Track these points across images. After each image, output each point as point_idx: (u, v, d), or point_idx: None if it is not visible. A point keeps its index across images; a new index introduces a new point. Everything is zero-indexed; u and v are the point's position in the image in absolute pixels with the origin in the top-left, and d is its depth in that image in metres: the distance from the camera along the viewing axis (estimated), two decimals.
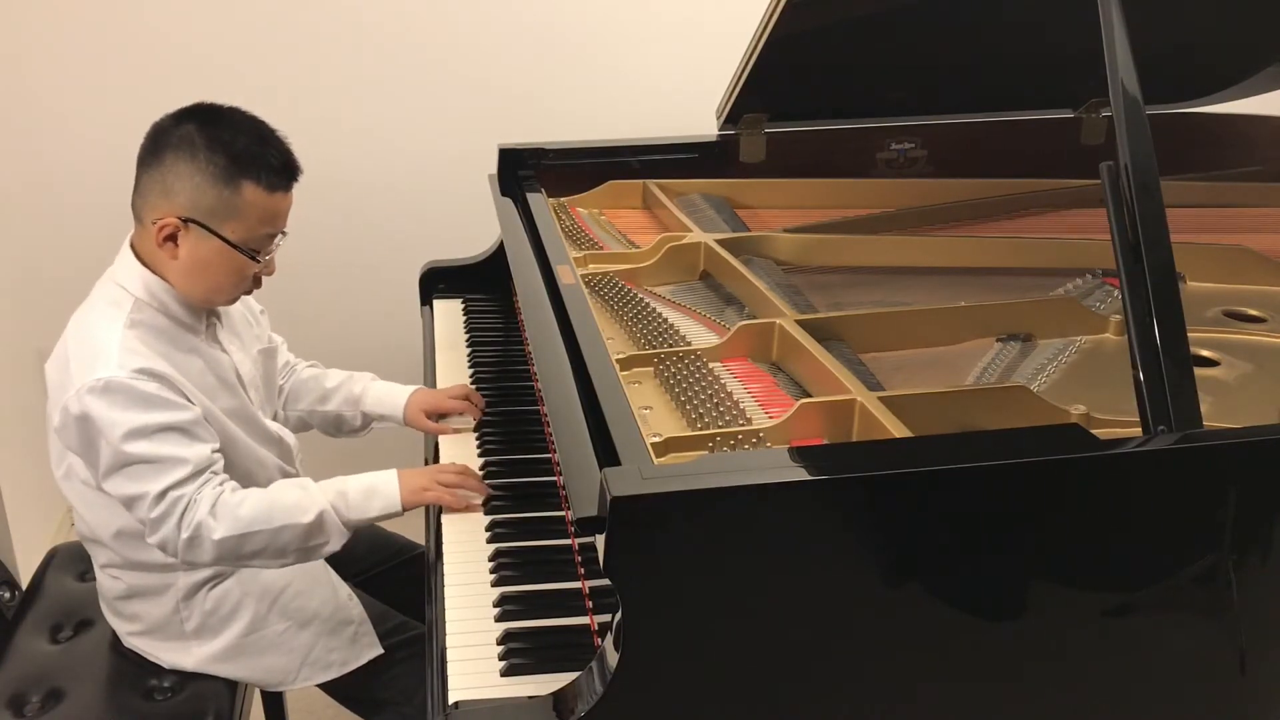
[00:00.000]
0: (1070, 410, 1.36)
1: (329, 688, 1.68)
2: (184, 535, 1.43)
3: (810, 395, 1.41)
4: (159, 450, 1.42)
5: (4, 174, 2.58)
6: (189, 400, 1.47)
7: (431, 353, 2.08)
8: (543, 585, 1.40)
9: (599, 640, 1.25)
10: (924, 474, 1.07)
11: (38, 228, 2.64)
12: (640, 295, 1.74)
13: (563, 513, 1.55)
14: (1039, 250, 1.88)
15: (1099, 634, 1.15)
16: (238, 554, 1.46)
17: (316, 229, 2.54)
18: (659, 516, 1.02)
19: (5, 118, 2.54)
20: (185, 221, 1.46)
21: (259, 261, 1.51)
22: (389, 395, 1.84)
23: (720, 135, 2.20)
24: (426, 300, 2.27)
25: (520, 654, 1.28)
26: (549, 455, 1.70)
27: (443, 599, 1.40)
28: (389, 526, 1.75)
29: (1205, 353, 1.57)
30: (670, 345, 1.56)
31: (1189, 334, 1.18)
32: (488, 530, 1.53)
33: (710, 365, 1.50)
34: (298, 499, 1.49)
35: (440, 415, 1.82)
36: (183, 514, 1.42)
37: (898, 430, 1.24)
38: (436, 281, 2.27)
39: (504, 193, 2.08)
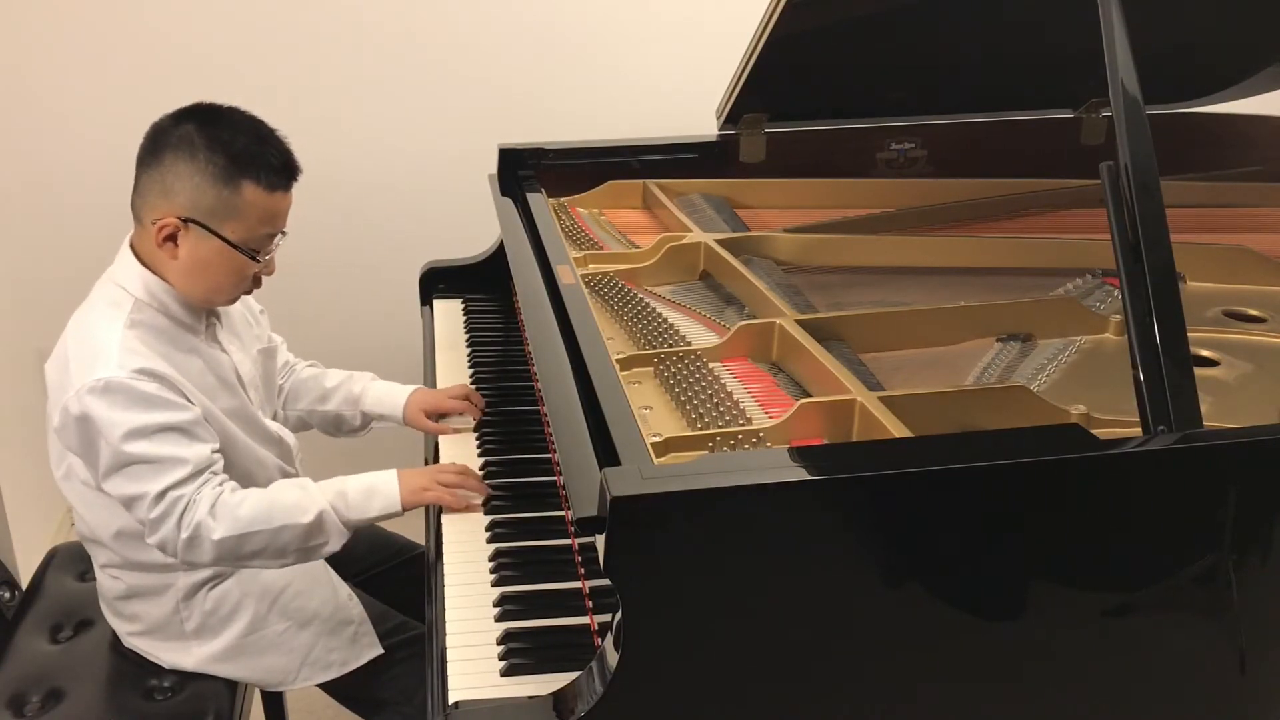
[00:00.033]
0: (1070, 410, 1.36)
1: (329, 688, 1.68)
2: (183, 535, 1.43)
3: (810, 395, 1.41)
4: (159, 450, 1.42)
5: (4, 174, 2.58)
6: (189, 400, 1.47)
7: (431, 353, 2.08)
8: (543, 585, 1.40)
9: (599, 640, 1.25)
10: (924, 474, 1.07)
11: (38, 228, 2.64)
12: (640, 295, 1.74)
13: (563, 513, 1.55)
14: (1039, 250, 1.88)
15: (1099, 634, 1.15)
16: (237, 554, 1.46)
17: (316, 229, 2.54)
18: (659, 516, 1.02)
19: (5, 118, 2.54)
20: (185, 221, 1.46)
21: (259, 261, 1.51)
22: (389, 395, 1.84)
23: (720, 135, 2.20)
24: (426, 300, 2.27)
25: (520, 654, 1.28)
26: (549, 455, 1.70)
27: (443, 599, 1.40)
28: (389, 526, 1.75)
29: (1205, 353, 1.57)
30: (670, 345, 1.56)
31: (1189, 334, 1.18)
32: (488, 530, 1.53)
33: (710, 365, 1.50)
34: (297, 499, 1.49)
35: (440, 415, 1.82)
36: (182, 514, 1.42)
37: (898, 430, 1.24)
38: (436, 281, 2.27)
39: (504, 193, 2.08)
